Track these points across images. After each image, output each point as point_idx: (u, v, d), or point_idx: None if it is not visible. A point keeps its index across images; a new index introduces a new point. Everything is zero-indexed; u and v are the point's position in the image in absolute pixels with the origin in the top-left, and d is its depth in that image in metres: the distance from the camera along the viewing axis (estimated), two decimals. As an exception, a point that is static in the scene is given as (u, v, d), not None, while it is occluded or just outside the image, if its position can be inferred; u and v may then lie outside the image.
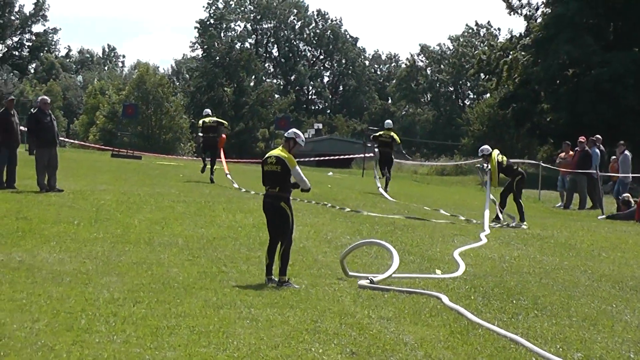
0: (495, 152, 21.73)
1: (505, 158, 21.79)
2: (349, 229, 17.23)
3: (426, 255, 14.92)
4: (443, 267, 13.72)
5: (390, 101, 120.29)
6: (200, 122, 28.71)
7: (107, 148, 56.35)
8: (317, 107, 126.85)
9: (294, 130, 12.02)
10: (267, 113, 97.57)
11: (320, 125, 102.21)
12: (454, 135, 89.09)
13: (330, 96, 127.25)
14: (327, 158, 55.20)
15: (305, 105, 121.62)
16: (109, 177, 25.81)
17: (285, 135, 12.04)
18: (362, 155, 48.83)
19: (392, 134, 29.39)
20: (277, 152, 11.76)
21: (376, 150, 29.52)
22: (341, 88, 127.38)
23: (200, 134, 28.34)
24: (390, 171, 28.90)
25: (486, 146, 22.10)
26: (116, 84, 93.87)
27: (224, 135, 28.56)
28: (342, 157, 56.87)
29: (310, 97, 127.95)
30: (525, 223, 21.03)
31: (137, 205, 18.45)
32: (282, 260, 11.53)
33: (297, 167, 11.65)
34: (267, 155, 11.85)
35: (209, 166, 27.98)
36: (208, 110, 30.17)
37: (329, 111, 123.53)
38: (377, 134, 29.97)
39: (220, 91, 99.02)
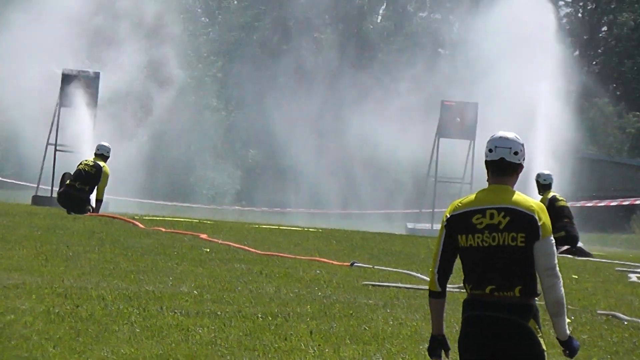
0: None
1: None
2: None
3: None
4: None
5: None
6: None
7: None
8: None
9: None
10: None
11: None
12: None
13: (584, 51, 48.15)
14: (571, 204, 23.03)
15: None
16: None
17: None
18: None
19: None
20: (508, 196, 4.85)
21: None
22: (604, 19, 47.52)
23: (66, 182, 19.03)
24: None
25: None
26: None
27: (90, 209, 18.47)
28: (609, 202, 24.69)
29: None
30: None
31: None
32: None
33: (552, 238, 4.93)
34: (471, 206, 4.88)
35: None
36: (105, 145, 19.43)
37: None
38: None
39: (357, 25, 38.14)
